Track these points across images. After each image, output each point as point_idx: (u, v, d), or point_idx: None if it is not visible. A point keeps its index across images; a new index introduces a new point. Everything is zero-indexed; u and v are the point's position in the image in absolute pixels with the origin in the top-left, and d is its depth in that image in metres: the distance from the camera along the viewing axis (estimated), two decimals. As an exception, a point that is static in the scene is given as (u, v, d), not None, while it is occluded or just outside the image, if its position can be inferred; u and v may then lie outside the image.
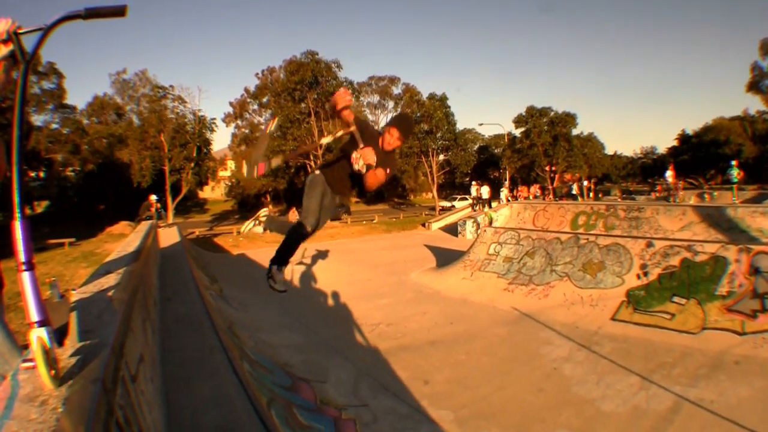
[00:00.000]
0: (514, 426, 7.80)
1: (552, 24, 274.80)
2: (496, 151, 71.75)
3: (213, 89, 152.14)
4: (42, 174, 46.66)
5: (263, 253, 22.71)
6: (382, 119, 68.97)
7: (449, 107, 50.90)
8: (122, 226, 31.98)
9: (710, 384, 9.00)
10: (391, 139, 5.03)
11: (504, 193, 41.05)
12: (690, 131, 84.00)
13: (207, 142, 42.62)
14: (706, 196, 38.11)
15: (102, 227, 33.38)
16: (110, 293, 4.03)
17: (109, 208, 44.71)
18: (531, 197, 46.66)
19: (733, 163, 31.38)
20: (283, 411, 6.32)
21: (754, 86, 61.69)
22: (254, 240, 28.67)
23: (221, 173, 49.58)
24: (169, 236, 18.31)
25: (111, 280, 4.65)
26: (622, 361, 10.28)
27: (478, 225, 30.57)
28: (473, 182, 43.81)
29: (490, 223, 30.19)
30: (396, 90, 63.96)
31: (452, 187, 70.12)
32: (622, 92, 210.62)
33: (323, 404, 7.70)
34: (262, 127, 44.56)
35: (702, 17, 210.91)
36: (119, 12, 2.45)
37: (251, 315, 12.66)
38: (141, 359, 4.10)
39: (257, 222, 34.21)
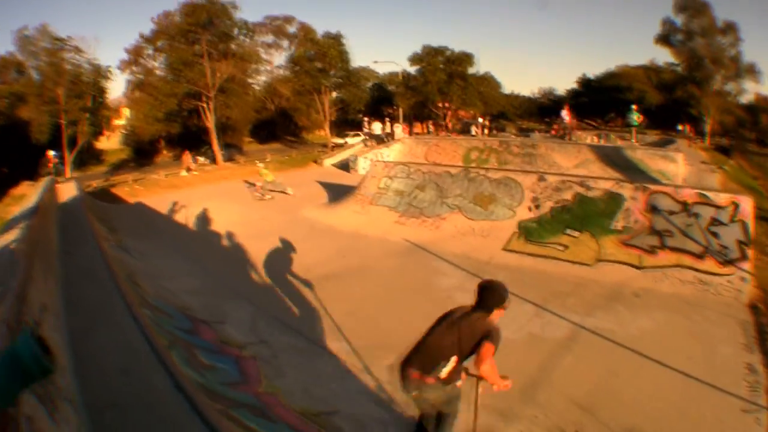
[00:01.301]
0: (410, 354, 8.02)
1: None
2: (390, 88, 71.16)
3: (110, 37, 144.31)
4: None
5: (160, 200, 22.44)
6: (276, 59, 67.94)
7: (344, 45, 50.74)
8: (24, 186, 30.59)
9: (608, 314, 9.54)
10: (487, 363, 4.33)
11: (398, 129, 41.16)
12: (591, 76, 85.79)
13: (102, 91, 41.14)
14: (594, 138, 39.39)
15: (5, 191, 32.09)
16: (12, 246, 4.26)
17: (10, 170, 42.86)
18: (440, 133, 46.77)
19: (633, 106, 32.17)
20: (184, 352, 6.56)
21: (663, 39, 63.62)
22: (150, 187, 28.10)
23: (117, 122, 47.95)
24: (67, 191, 17.96)
25: (12, 235, 4.85)
26: (515, 290, 10.29)
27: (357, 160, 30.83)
28: (365, 118, 43.62)
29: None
30: (291, 29, 63.23)
31: (346, 124, 69.40)
32: (526, 35, 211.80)
33: (224, 344, 7.87)
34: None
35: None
36: None
37: (152, 263, 12.58)
38: (44, 308, 4.37)
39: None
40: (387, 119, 51.57)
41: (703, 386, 7.07)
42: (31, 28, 41.62)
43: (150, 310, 7.59)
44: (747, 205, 11.58)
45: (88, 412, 3.85)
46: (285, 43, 63.33)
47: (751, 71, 62.12)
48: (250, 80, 50.22)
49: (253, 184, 24.00)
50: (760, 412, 6.54)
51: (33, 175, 30.81)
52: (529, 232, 13.77)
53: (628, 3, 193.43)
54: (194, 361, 6.53)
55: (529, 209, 14.36)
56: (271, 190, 22.84)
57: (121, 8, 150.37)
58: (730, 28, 59.51)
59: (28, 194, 18.65)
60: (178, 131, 48.18)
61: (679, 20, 61.65)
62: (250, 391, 6.49)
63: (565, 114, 33.23)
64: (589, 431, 6.29)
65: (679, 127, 60.04)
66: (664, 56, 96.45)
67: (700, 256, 11.33)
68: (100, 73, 40.67)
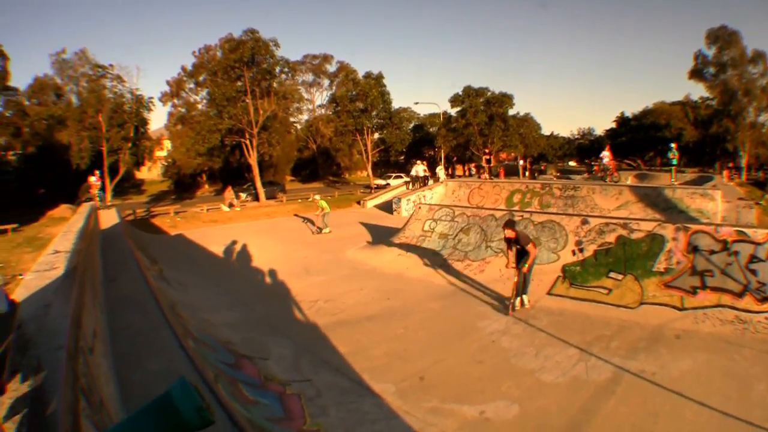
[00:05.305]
0: (454, 397, 7.74)
1: (491, 5, 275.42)
2: (431, 130, 71.60)
3: (151, 69, 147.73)
4: (-15, 160, 45.43)
5: (200, 233, 22.56)
6: (318, 97, 69.11)
7: (385, 86, 51.20)
8: (63, 209, 30.94)
9: (650, 357, 9.21)
10: None
11: (441, 171, 41.00)
12: (629, 114, 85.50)
13: (144, 122, 41.75)
14: (633, 178, 38.70)
15: (42, 211, 32.15)
16: (62, 271, 4.12)
17: (48, 191, 43.32)
18: (482, 175, 46.58)
19: (672, 145, 31.36)
20: (229, 386, 6.37)
21: (696, 74, 63.50)
22: (191, 220, 28.27)
23: (158, 153, 48.37)
24: (108, 218, 18.11)
25: (61, 259, 4.72)
26: (559, 334, 10.40)
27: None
28: (417, 161, 43.45)
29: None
30: (330, 68, 64.15)
31: (387, 165, 69.95)
32: (563, 75, 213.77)
33: (267, 380, 7.72)
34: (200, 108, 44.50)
35: (644, 6, 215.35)
36: None
37: (191, 295, 12.51)
38: (95, 334, 4.21)
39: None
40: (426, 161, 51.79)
41: (739, 424, 6.91)
42: (70, 52, 42.70)
43: (193, 341, 7.39)
44: (784, 239, 11.22)
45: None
46: (325, 82, 64.41)
47: (783, 100, 61.34)
48: (291, 119, 50.81)
49: (310, 221, 24.34)
50: (795, 445, 6.50)
51: (72, 198, 31.15)
52: (573, 275, 13.41)
53: (663, 38, 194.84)
54: (239, 395, 6.41)
55: (573, 253, 14.06)
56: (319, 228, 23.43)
57: (163, 39, 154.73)
58: (759, 57, 59.04)
59: (67, 218, 18.74)
60: (219, 166, 48.87)
61: (710, 53, 61.58)
62: (294, 427, 6.37)
63: (606, 154, 32.52)
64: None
65: (717, 165, 59.55)
66: (699, 91, 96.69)
67: (739, 295, 10.95)
68: (141, 104, 41.40)
